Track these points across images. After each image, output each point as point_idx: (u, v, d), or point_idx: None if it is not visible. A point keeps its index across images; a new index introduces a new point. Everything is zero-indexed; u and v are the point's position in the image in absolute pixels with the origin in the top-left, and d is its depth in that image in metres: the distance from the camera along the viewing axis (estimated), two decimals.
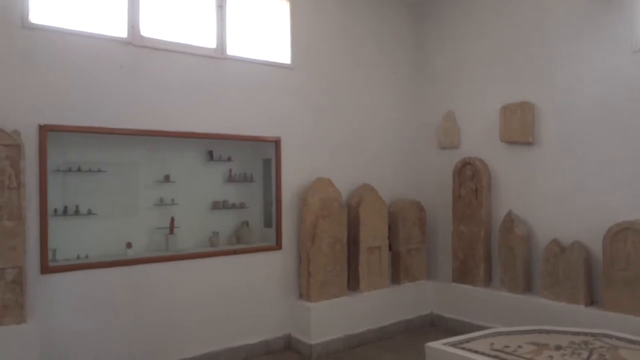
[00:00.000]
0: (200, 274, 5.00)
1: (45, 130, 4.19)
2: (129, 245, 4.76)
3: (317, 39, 5.91)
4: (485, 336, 4.35)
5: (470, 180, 5.99)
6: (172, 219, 5.03)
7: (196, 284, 4.97)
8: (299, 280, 5.62)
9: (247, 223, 5.59)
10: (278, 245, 5.52)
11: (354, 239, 5.82)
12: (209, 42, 5.18)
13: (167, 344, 4.77)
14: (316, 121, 5.87)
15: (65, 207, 4.52)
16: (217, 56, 5.18)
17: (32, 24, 4.22)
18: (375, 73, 6.45)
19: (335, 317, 5.47)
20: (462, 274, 6.06)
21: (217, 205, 5.41)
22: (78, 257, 4.54)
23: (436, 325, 6.29)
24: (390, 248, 6.12)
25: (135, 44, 4.70)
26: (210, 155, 5.37)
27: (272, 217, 5.58)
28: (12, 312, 3.84)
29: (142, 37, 4.74)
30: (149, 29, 4.81)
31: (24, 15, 4.18)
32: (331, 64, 6.02)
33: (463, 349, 4.07)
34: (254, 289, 5.34)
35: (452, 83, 6.47)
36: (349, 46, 6.20)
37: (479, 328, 5.23)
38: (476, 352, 3.96)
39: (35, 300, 4.07)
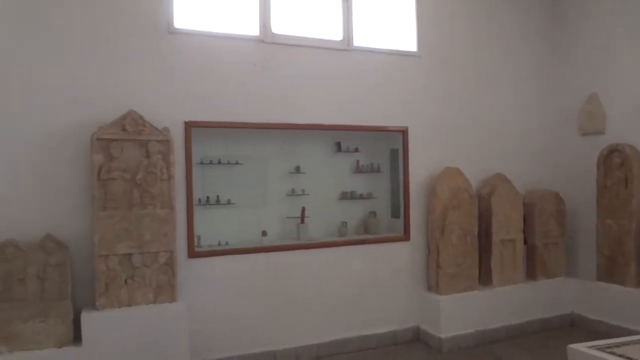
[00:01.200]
0: (330, 263, 5.12)
1: (189, 127, 4.55)
2: (264, 233, 5.01)
3: (444, 24, 5.72)
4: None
5: (619, 168, 5.43)
6: (303, 209, 5.20)
7: (326, 272, 5.09)
8: (427, 272, 5.52)
9: (374, 213, 5.61)
10: (406, 236, 5.46)
11: (485, 231, 5.58)
12: (336, 34, 5.25)
13: (299, 328, 4.96)
14: (444, 109, 5.69)
15: (208, 197, 4.88)
16: (344, 48, 5.24)
17: (176, 29, 4.59)
18: (506, 56, 6.09)
19: (465, 312, 5.29)
20: (609, 272, 5.53)
21: (345, 196, 5.49)
22: (219, 244, 4.88)
23: (577, 327, 5.82)
24: (525, 242, 5.76)
25: (267, 42, 4.91)
26: (338, 146, 5.45)
27: (399, 208, 5.54)
28: (165, 291, 4.23)
29: (273, 34, 4.94)
30: (279, 26, 4.99)
31: (169, 22, 4.56)
32: (459, 49, 5.79)
33: (613, 354, 3.70)
34: (382, 279, 5.34)
35: (596, 63, 5.89)
36: (478, 29, 5.92)
37: (630, 333, 4.74)
38: (629, 358, 3.59)
39: (183, 282, 4.44)
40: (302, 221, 5.20)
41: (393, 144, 5.61)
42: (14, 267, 3.82)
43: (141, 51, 4.43)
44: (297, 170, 5.25)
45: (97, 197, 4.02)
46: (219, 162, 4.91)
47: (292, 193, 5.26)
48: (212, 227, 4.88)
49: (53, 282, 3.90)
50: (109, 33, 4.34)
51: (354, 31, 5.28)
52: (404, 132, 5.44)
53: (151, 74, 4.46)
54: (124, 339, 4.04)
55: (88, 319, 3.96)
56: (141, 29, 4.44)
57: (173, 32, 4.56)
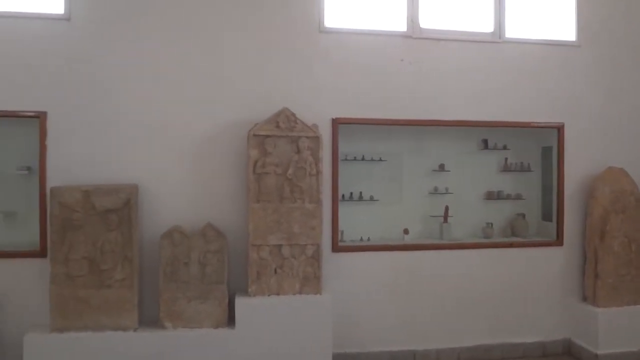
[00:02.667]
0: (473, 265, 4.93)
1: (336, 123, 4.64)
2: (406, 231, 4.96)
3: (608, 10, 5.18)
4: None
5: None
6: (447, 208, 5.05)
7: (469, 274, 4.90)
8: (582, 281, 5.07)
9: (523, 215, 5.28)
10: (559, 241, 5.06)
11: None
12: (486, 26, 5.00)
13: (440, 329, 4.85)
14: (606, 104, 5.17)
15: (351, 193, 4.93)
16: (494, 40, 4.99)
17: (327, 28, 4.69)
18: None
19: (629, 327, 4.79)
20: None
21: (491, 196, 5.24)
22: (361, 239, 4.92)
23: None
24: None
25: (415, 37, 4.83)
26: (485, 143, 5.21)
27: (551, 210, 5.14)
28: (311, 283, 4.36)
29: (420, 29, 4.84)
30: (427, 21, 4.88)
31: (320, 21, 4.67)
32: (624, 37, 5.21)
33: None
34: (530, 286, 5.01)
35: None
36: None
37: None
38: None
39: (327, 275, 4.53)
40: (445, 220, 5.05)
41: (546, 141, 5.22)
42: (180, 252, 4.17)
43: (293, 50, 4.61)
44: (441, 167, 5.10)
45: (251, 190, 4.25)
46: (363, 159, 4.94)
47: (435, 191, 5.13)
48: (354, 222, 4.93)
49: (212, 267, 4.20)
50: (264, 34, 4.58)
51: (505, 22, 4.99)
52: (559, 129, 5.04)
53: (302, 72, 4.62)
54: (272, 325, 4.24)
55: (241, 303, 4.21)
56: (293, 29, 4.61)
57: (323, 31, 4.67)
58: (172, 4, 4.47)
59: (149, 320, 4.24)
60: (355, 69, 4.72)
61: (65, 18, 4.37)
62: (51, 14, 4.38)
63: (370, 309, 4.73)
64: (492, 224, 5.19)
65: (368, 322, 4.73)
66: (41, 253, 4.30)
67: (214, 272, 4.21)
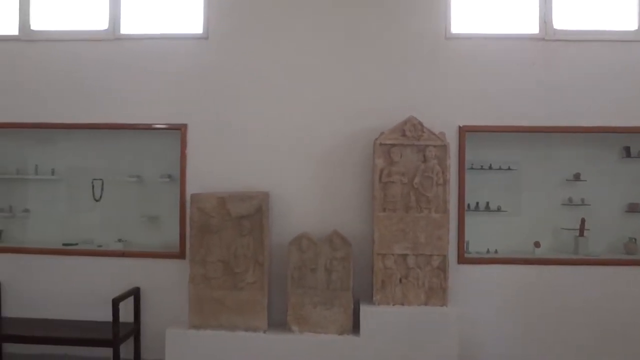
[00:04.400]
0: (614, 284, 4.54)
1: (463, 131, 4.52)
2: (537, 244, 4.69)
3: None
4: None
5: None
6: (583, 220, 4.70)
7: (610, 295, 4.52)
8: None
9: None
10: None
11: None
12: (629, 23, 4.61)
13: (571, 353, 4.50)
14: None
15: (477, 203, 4.77)
16: (637, 39, 4.58)
17: (453, 34, 4.61)
18: None
19: None
20: None
21: (634, 208, 4.79)
22: (488, 251, 4.73)
23: None
24: None
25: (547, 39, 4.59)
26: (627, 151, 4.79)
27: None
28: (436, 294, 4.26)
29: (554, 30, 4.58)
30: (561, 21, 4.61)
31: (446, 28, 4.60)
32: None
33: None
34: None
35: None
36: None
37: None
38: None
39: (452, 287, 4.41)
40: (581, 234, 4.71)
41: None
42: (307, 258, 4.28)
43: (419, 58, 4.58)
44: (577, 177, 4.77)
45: (377, 199, 4.26)
46: (490, 167, 4.76)
47: (569, 202, 4.80)
48: (480, 233, 4.75)
49: (338, 274, 4.26)
50: (390, 43, 4.60)
51: None
52: None
53: (428, 80, 4.57)
54: (397, 336, 4.19)
55: (366, 311, 4.22)
56: (419, 37, 4.58)
57: (449, 37, 4.59)
58: (301, 20, 4.64)
59: (277, 322, 4.39)
60: (483, 75, 4.58)
61: (204, 37, 4.70)
62: (191, 34, 4.74)
63: (496, 327, 4.54)
64: (635, 240, 4.74)
65: (493, 340, 4.54)
66: (180, 255, 4.64)
67: (339, 279, 4.27)
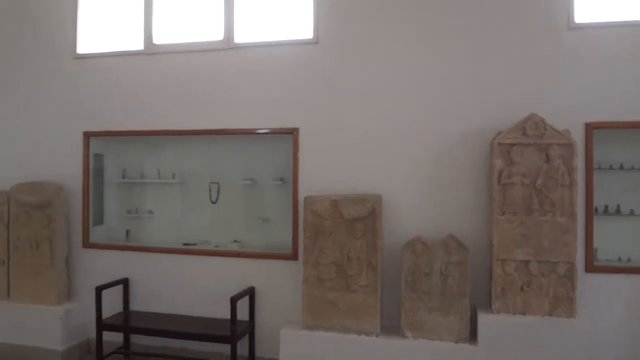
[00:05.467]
0: None
1: (591, 128, 4.19)
2: None
3: None
4: None
5: None
6: None
7: None
8: None
9: None
10: None
11: None
12: None
13: None
14: None
15: (606, 206, 4.39)
16: None
17: (577, 24, 4.29)
18: None
19: None
20: None
21: None
22: (619, 259, 4.34)
23: None
24: None
25: None
26: None
27: None
28: (563, 305, 3.98)
29: None
30: None
31: (569, 18, 4.28)
32: None
33: None
34: None
35: None
36: None
37: None
38: None
39: (579, 297, 4.09)
40: None
41: None
42: (421, 262, 4.18)
43: (539, 51, 4.31)
44: None
45: (496, 201, 4.06)
46: (620, 167, 4.36)
47: None
48: (610, 239, 4.37)
49: (453, 280, 4.12)
50: (506, 36, 4.37)
51: None
52: None
53: (549, 74, 4.29)
54: (518, 347, 3.97)
55: (485, 320, 4.04)
56: (539, 28, 4.32)
57: (573, 27, 4.28)
58: (409, 21, 4.56)
59: (389, 327, 4.33)
60: (611, 67, 4.22)
61: (314, 42, 4.76)
62: (302, 40, 4.82)
63: (629, 343, 4.14)
64: None
65: (624, 358, 4.14)
66: (293, 256, 4.72)
67: (455, 285, 4.12)
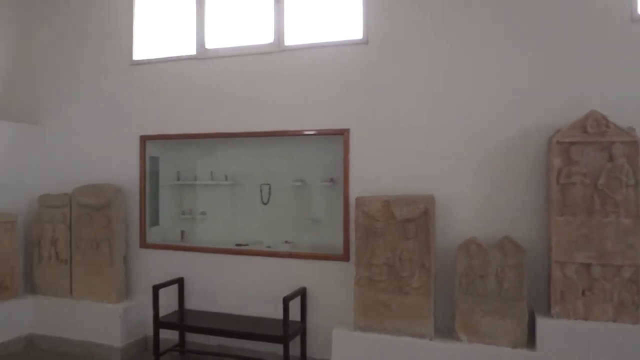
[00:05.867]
0: None
1: None
2: None
3: None
4: None
5: None
6: None
7: None
8: None
9: None
10: None
11: None
12: None
13: None
14: None
15: None
16: None
17: None
18: None
19: None
20: None
21: None
22: None
23: None
24: None
25: None
26: None
27: None
28: (628, 311, 3.80)
29: None
30: None
31: (632, 9, 4.10)
32: None
33: None
34: None
35: None
36: None
37: None
38: None
39: None
40: None
41: None
42: (476, 264, 4.09)
43: (600, 45, 4.13)
44: None
45: (554, 202, 3.93)
46: None
47: None
48: None
49: (510, 283, 4.00)
50: (565, 31, 4.21)
51: None
52: None
53: (611, 69, 4.10)
54: (579, 354, 3.82)
55: (543, 325, 3.91)
56: (601, 21, 4.14)
57: (636, 19, 4.09)
58: (461, 18, 4.48)
59: (442, 330, 4.25)
60: None
61: (364, 42, 4.74)
62: (351, 40, 4.82)
63: None
64: None
65: None
66: (344, 257, 4.72)
67: (512, 288, 4.01)
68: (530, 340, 3.98)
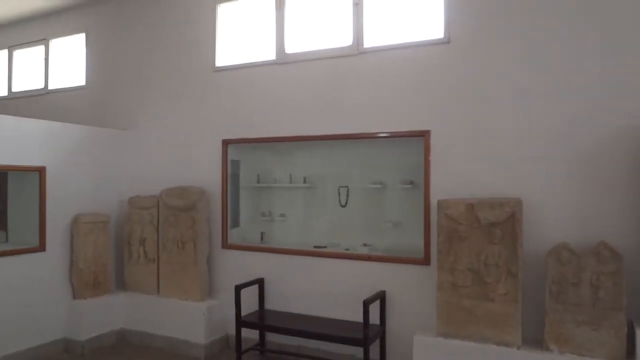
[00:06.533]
0: None
1: None
2: None
3: None
4: None
5: None
6: None
7: None
8: None
9: None
10: None
11: None
12: None
13: None
14: None
15: None
16: None
17: None
18: None
19: None
20: None
21: None
22: None
23: None
24: None
25: None
26: None
27: None
28: None
29: None
30: None
31: None
32: None
33: None
34: None
35: None
36: None
37: None
38: None
39: None
40: None
41: None
42: (568, 271, 3.88)
43: None
44: None
45: None
46: None
47: None
48: None
49: (606, 292, 3.77)
50: None
51: None
52: None
53: None
54: None
55: None
56: None
57: None
58: (549, 20, 4.27)
59: (530, 339, 4.06)
60: None
61: (445, 42, 4.64)
62: (432, 40, 4.73)
63: None
64: None
65: None
66: (425, 261, 4.63)
67: (608, 297, 3.77)
68: (630, 354, 3.72)
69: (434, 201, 4.46)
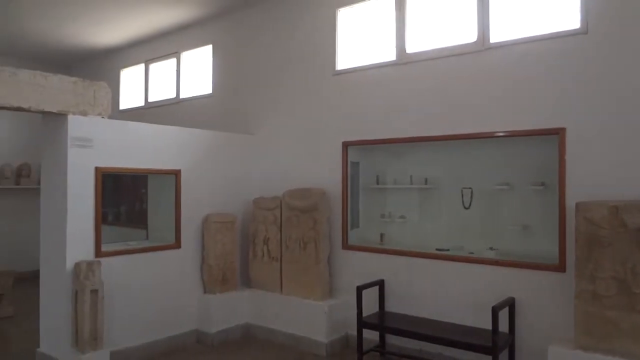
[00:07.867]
0: None
1: None
2: None
3: None
4: None
5: None
6: None
7: None
8: None
9: None
10: None
11: None
12: None
13: None
14: None
15: None
16: None
17: None
18: None
19: None
20: None
21: None
22: None
23: None
24: None
25: None
26: None
27: None
28: None
29: None
30: None
31: None
32: None
33: None
34: None
35: None
36: None
37: None
38: None
39: None
40: None
41: None
42: None
43: None
44: None
45: None
46: None
47: None
48: None
49: None
50: None
51: None
52: None
53: None
54: None
55: None
56: None
57: None
58: None
59: None
60: None
61: (582, 32, 4.32)
62: (566, 31, 4.42)
63: None
64: None
65: None
66: (560, 267, 4.34)
67: None
68: None
69: (570, 204, 4.16)
